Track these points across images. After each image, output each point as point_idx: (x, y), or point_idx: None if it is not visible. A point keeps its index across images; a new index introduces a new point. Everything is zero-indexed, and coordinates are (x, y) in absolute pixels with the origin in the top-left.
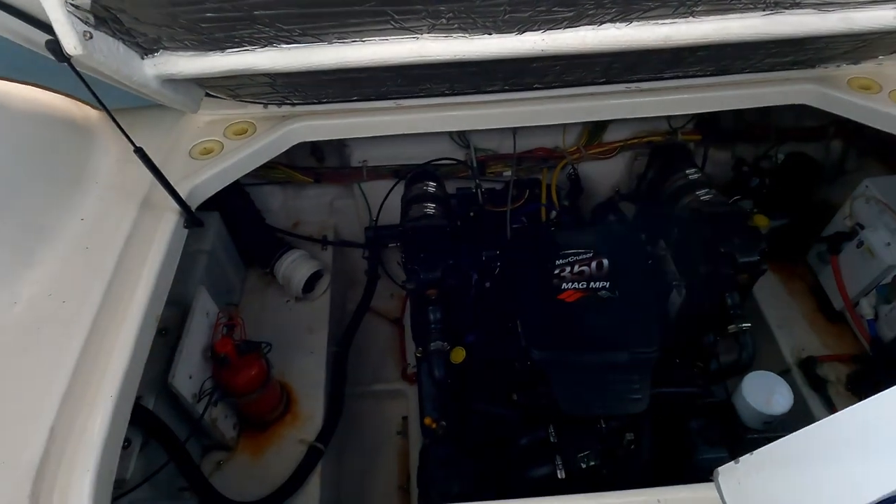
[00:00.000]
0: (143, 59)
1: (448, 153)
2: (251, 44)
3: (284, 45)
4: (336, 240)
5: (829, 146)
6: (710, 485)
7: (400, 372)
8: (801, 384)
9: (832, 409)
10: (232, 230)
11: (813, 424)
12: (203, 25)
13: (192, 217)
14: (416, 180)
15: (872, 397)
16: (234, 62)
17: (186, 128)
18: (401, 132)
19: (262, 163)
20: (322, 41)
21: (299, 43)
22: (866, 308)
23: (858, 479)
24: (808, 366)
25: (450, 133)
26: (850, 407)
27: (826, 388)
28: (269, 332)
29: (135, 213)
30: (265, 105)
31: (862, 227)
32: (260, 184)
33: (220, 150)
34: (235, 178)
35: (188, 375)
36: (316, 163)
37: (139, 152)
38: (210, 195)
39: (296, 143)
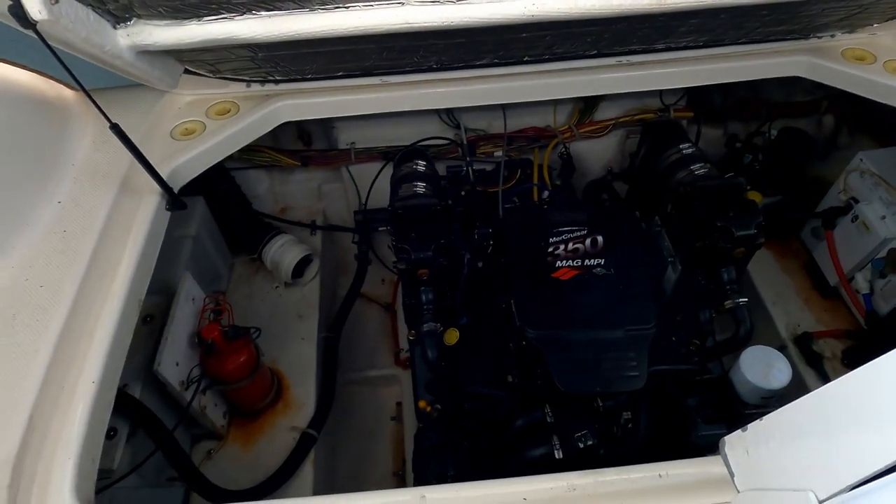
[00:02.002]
0: (115, 28)
1: (437, 134)
2: (229, 11)
3: (264, 13)
4: (325, 224)
5: (822, 121)
6: (713, 458)
7: (393, 357)
8: (798, 360)
9: None
10: (217, 215)
11: (824, 386)
12: None
13: (175, 198)
14: (406, 159)
15: (886, 356)
16: (211, 31)
17: (167, 108)
18: (387, 110)
19: (246, 143)
20: (304, 8)
21: (280, 10)
22: (862, 283)
23: (871, 444)
24: (804, 342)
25: (439, 114)
26: (864, 367)
27: (822, 364)
28: (258, 318)
29: (114, 195)
30: (248, 83)
31: (857, 202)
32: (246, 168)
33: (202, 130)
34: (219, 160)
35: (175, 363)
36: (303, 146)
37: (115, 129)
38: (193, 177)
39: (280, 122)
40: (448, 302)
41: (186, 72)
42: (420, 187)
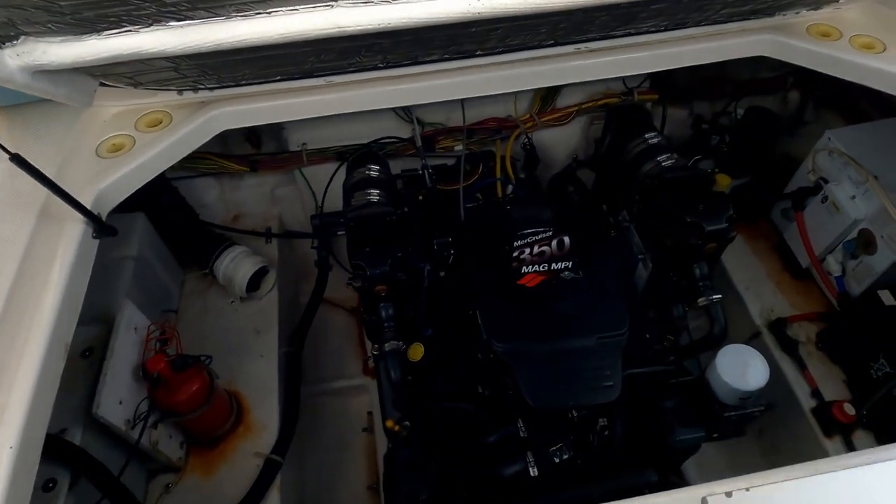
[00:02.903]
0: (0, 47)
1: (394, 130)
2: (132, 23)
3: (174, 23)
4: (281, 231)
5: (787, 97)
6: None
7: (361, 365)
8: (773, 347)
9: (804, 370)
10: (162, 231)
11: (813, 475)
12: (61, 3)
13: (102, 225)
14: (357, 164)
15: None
16: (115, 46)
17: (90, 122)
18: (334, 112)
19: (182, 156)
20: (219, 16)
21: (191, 19)
22: (833, 265)
23: None
24: (778, 328)
25: (395, 109)
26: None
27: (797, 349)
28: (213, 337)
29: (32, 224)
30: (179, 91)
31: (826, 182)
32: (190, 177)
33: (131, 145)
34: (153, 176)
35: (118, 401)
36: (252, 149)
37: (16, 159)
38: (125, 197)
39: (219, 131)
40: (411, 313)
41: (102, 84)
42: (374, 195)
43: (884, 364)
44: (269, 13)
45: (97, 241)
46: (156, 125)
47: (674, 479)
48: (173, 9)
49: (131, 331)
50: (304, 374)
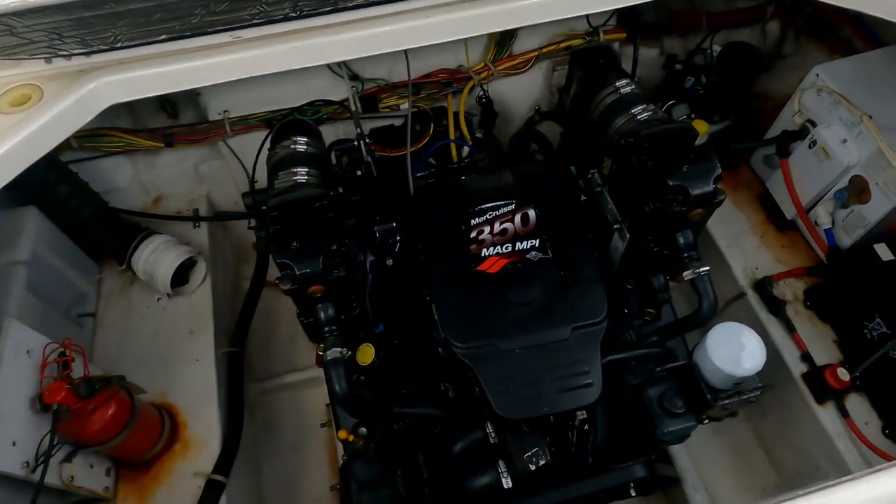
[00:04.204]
0: None
1: (328, 90)
2: None
3: None
4: (211, 213)
5: (766, 29)
6: None
7: (315, 353)
8: (759, 309)
9: (793, 333)
10: (63, 224)
11: None
12: None
13: None
14: (281, 136)
15: None
16: None
17: None
18: (245, 76)
19: (62, 139)
20: None
21: None
22: (823, 216)
23: None
24: (764, 288)
25: (328, 64)
26: None
27: (785, 310)
28: (138, 342)
29: None
30: (47, 59)
31: (814, 125)
32: (93, 158)
33: None
34: (25, 167)
35: (10, 443)
36: (168, 120)
37: None
38: None
39: (106, 106)
40: (356, 310)
41: None
42: (301, 174)
43: (880, 324)
44: None
45: None
46: (23, 103)
47: (661, 472)
48: None
49: (22, 355)
50: (252, 371)
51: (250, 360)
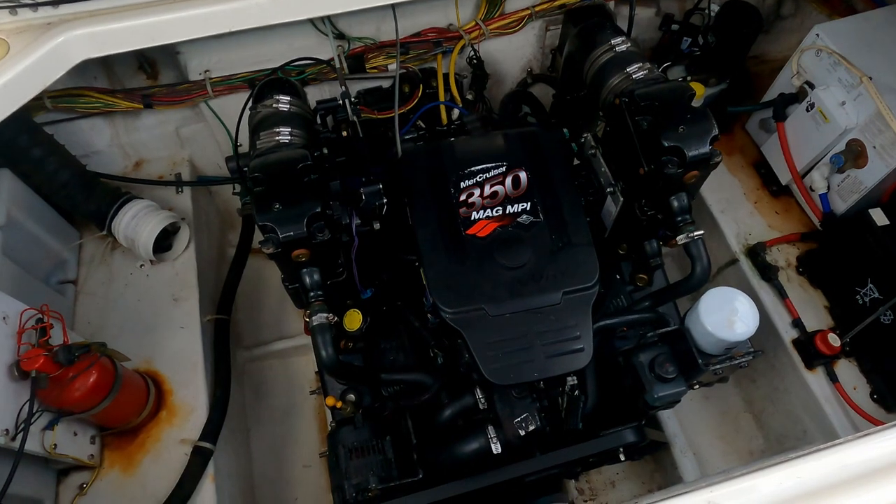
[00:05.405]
0: None
1: (314, 49)
2: None
3: None
4: (193, 178)
5: None
6: None
7: (303, 321)
8: (751, 275)
9: (785, 299)
10: (40, 188)
11: None
12: None
13: None
14: (263, 95)
15: None
16: None
17: None
18: (226, 30)
19: (30, 97)
20: None
21: None
22: (819, 181)
23: None
24: (756, 254)
25: (313, 22)
26: None
27: (777, 276)
28: (122, 309)
29: None
30: (11, 9)
31: (812, 87)
32: (69, 120)
33: None
34: None
35: None
36: (147, 80)
37: None
38: None
39: (76, 61)
40: (343, 275)
41: None
42: (284, 134)
43: (872, 289)
44: None
45: None
46: None
47: (651, 437)
48: None
49: None
50: (241, 339)
51: (239, 327)
